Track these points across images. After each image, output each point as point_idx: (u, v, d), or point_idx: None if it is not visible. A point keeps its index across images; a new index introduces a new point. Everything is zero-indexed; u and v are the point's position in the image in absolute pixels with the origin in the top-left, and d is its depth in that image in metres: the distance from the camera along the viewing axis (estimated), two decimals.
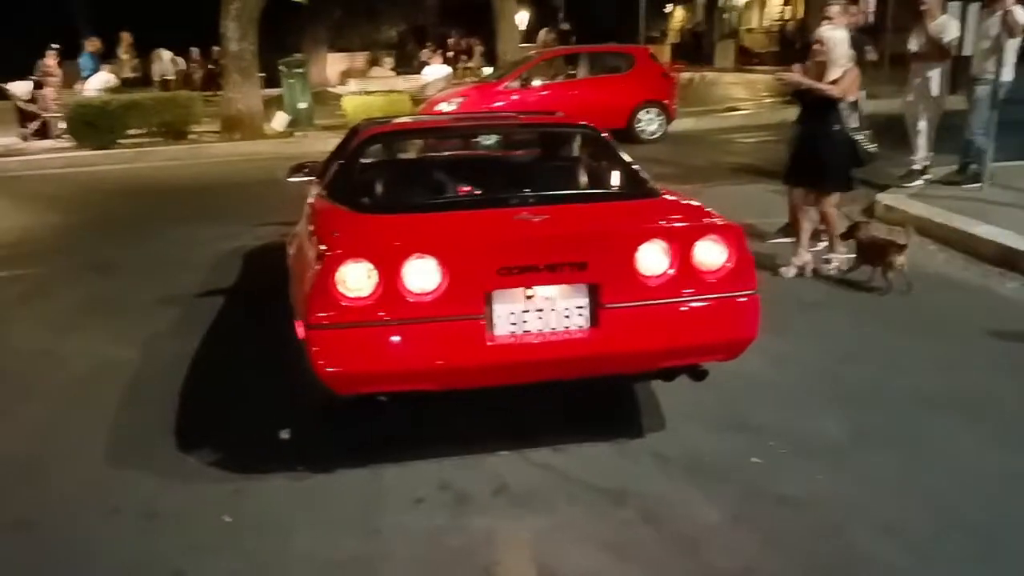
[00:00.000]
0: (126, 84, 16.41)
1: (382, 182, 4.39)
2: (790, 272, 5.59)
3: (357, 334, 2.96)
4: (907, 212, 6.74)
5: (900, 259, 5.08)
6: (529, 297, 3.06)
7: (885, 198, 7.30)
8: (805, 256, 5.63)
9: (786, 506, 2.96)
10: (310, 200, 4.08)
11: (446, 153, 4.95)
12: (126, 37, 18.01)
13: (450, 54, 23.31)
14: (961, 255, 5.86)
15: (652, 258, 3.12)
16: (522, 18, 29.86)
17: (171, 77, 21.25)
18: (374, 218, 3.44)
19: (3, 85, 14.52)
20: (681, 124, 13.38)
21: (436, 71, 15.53)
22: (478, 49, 23.64)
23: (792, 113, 6.10)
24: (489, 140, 5.51)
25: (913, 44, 7.82)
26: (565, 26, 26.83)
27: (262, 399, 3.94)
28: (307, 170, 4.69)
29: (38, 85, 14.36)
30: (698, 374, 3.40)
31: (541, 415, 3.68)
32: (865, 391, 3.88)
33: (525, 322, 3.06)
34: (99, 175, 11.37)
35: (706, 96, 18.15)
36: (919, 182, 7.85)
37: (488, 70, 20.20)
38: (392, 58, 16.41)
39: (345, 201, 3.62)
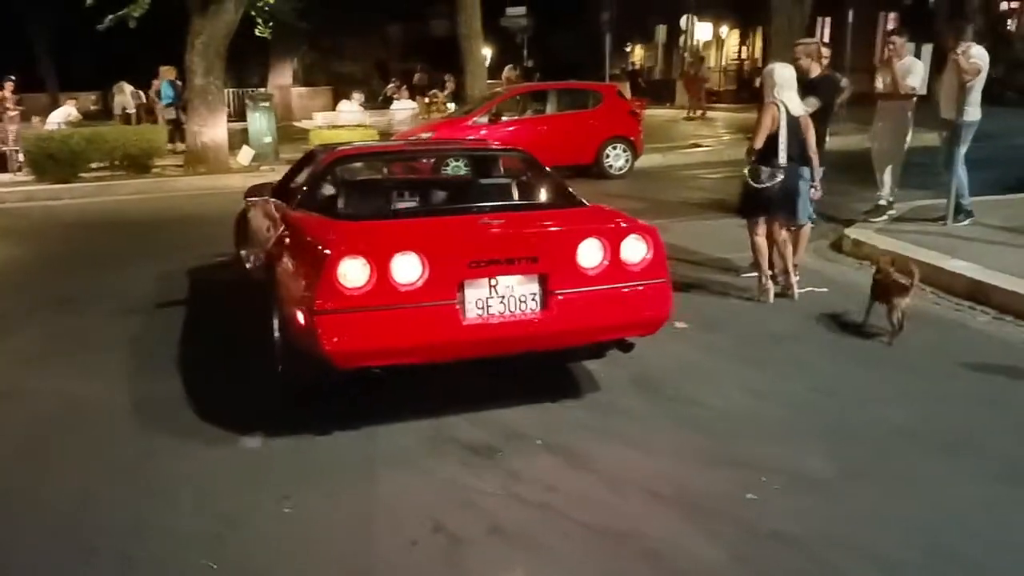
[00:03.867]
0: (87, 117, 16.15)
1: (356, 195, 4.90)
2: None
3: (355, 318, 3.56)
4: (875, 246, 6.84)
5: (902, 300, 4.87)
6: (493, 286, 3.73)
7: (853, 232, 7.41)
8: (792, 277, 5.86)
9: (782, 543, 2.93)
10: (275, 215, 4.71)
11: (407, 172, 5.74)
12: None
13: (417, 89, 23.39)
14: (931, 289, 5.96)
15: (589, 253, 3.87)
16: (486, 55, 30.32)
17: (131, 111, 20.99)
18: (358, 224, 4.12)
19: None
20: (647, 160, 13.54)
21: (403, 106, 15.58)
22: (449, 85, 23.75)
23: None
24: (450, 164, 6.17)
25: (879, 83, 8.02)
26: (529, 63, 27.25)
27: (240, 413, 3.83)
28: (264, 192, 5.45)
29: None
30: (625, 347, 4.21)
31: (530, 452, 3.63)
32: (846, 425, 3.90)
33: (490, 306, 3.73)
34: (60, 209, 11.13)
35: (669, 133, 18.42)
36: (884, 217, 8.00)
37: (452, 106, 20.34)
38: (362, 93, 16.38)
39: (326, 212, 4.36)
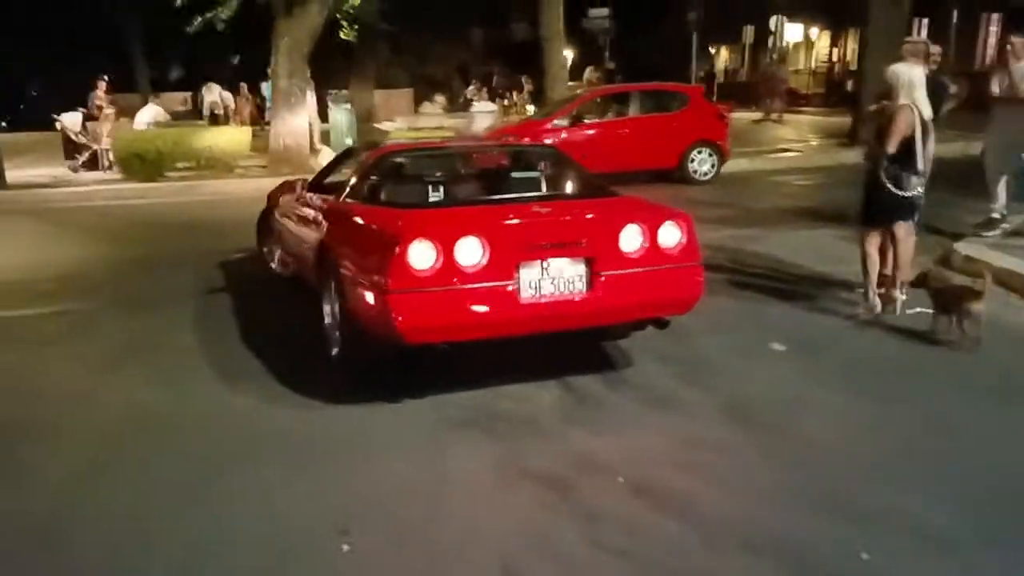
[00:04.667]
0: (177, 117, 16.52)
1: (411, 186, 5.18)
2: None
3: (424, 297, 3.87)
4: (990, 263, 6.28)
5: (977, 306, 4.63)
6: (545, 268, 4.05)
7: (964, 248, 6.85)
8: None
9: None
10: (325, 207, 5.06)
11: (458, 166, 5.85)
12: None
13: (496, 91, 23.28)
14: None
15: (630, 238, 4.22)
16: (567, 57, 30.02)
17: (219, 112, 21.45)
18: (423, 211, 4.52)
19: (55, 116, 14.68)
20: (731, 165, 13.00)
21: (483, 108, 15.40)
22: (527, 87, 23.57)
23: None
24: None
25: (995, 86, 7.42)
26: (610, 65, 26.81)
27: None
28: (292, 190, 6.01)
29: (88, 117, 14.47)
30: (661, 324, 4.52)
31: (609, 490, 3.32)
32: (976, 472, 3.43)
33: (542, 287, 4.06)
34: (145, 208, 11.31)
35: (756, 137, 17.78)
36: (997, 231, 7.39)
37: (532, 108, 20.11)
38: (444, 96, 16.30)
39: (384, 202, 4.71)
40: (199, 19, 13.97)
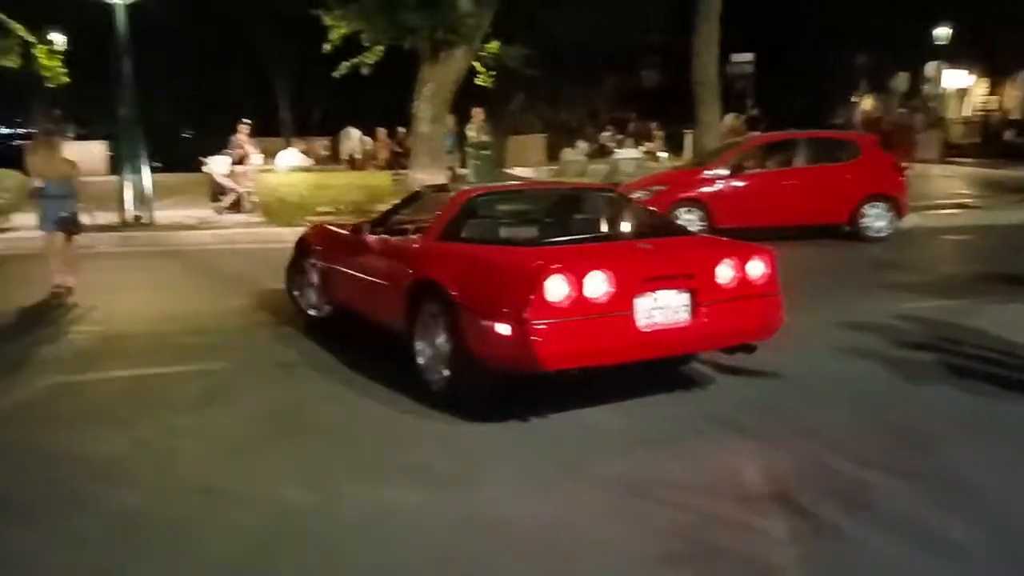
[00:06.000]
0: (318, 162, 16.59)
1: (528, 226, 5.53)
2: None
3: (561, 326, 4.18)
4: None
5: None
6: (655, 299, 4.41)
7: None
8: None
9: None
10: (426, 244, 5.16)
11: (552, 207, 6.01)
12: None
13: (633, 138, 22.55)
14: None
15: (726, 271, 4.61)
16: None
17: (358, 156, 21.62)
18: (551, 249, 4.76)
19: (203, 160, 14.93)
20: (904, 221, 11.73)
21: (627, 155, 14.70)
22: (658, 133, 22.76)
23: None
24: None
25: None
26: (754, 111, 25.61)
27: None
28: (324, 240, 6.66)
29: (236, 160, 14.63)
30: (749, 348, 4.85)
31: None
32: None
33: (653, 316, 4.41)
34: (284, 252, 11.07)
35: (919, 191, 16.31)
36: None
37: (664, 155, 19.26)
38: (586, 142, 15.75)
39: (508, 240, 5.06)
40: (345, 64, 13.94)
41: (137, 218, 12.84)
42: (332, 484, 3.83)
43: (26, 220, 13.15)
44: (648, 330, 4.39)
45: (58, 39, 21.34)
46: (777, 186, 11.14)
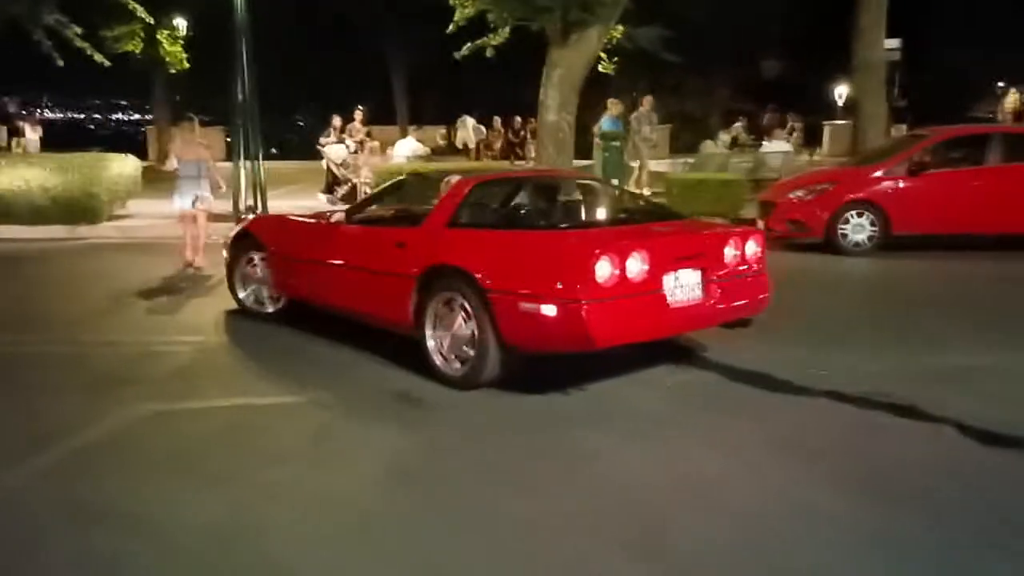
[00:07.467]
0: (435, 152, 15.82)
1: (547, 212, 5.77)
2: None
3: (610, 306, 4.42)
4: None
5: None
6: (677, 277, 4.73)
7: None
8: None
9: None
10: (439, 231, 5.08)
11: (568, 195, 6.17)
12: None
13: (766, 130, 20.86)
14: None
15: (729, 250, 5.02)
16: (841, 91, 26.93)
17: (473, 145, 20.84)
18: (594, 232, 5.20)
19: (320, 146, 14.33)
20: None
21: (775, 148, 13.24)
22: (797, 125, 21.04)
23: None
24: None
25: None
26: (901, 103, 23.48)
27: None
28: (263, 229, 6.59)
29: (353, 150, 13.97)
30: (745, 323, 5.27)
31: None
32: None
33: (676, 294, 4.73)
34: None
35: None
36: None
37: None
38: (729, 135, 14.31)
39: (545, 225, 5.26)
40: (467, 45, 13.05)
41: (250, 208, 12.28)
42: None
43: (141, 207, 12.88)
44: (675, 307, 4.67)
45: (180, 24, 21.34)
46: (965, 186, 9.53)
